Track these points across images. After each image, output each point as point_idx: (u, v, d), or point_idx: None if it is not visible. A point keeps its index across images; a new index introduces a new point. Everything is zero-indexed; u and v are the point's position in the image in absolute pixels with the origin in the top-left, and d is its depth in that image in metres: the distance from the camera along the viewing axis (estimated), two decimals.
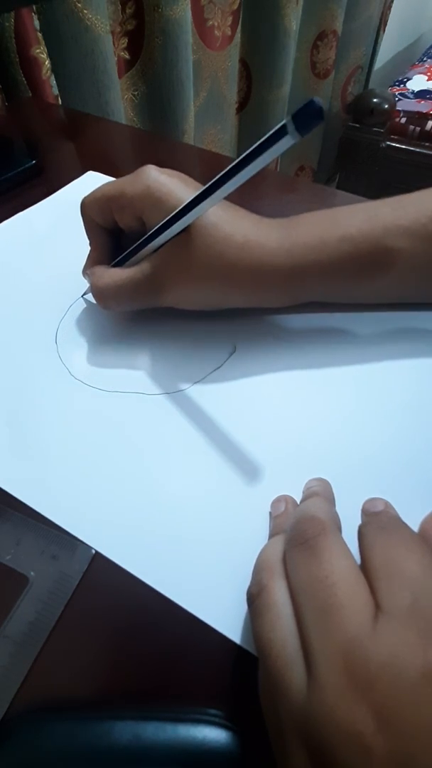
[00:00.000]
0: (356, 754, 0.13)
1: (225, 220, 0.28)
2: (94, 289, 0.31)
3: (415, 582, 0.16)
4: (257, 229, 0.28)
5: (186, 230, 0.27)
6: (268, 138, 0.20)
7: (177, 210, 0.26)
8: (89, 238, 0.32)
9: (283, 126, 0.19)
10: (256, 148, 0.20)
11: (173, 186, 0.28)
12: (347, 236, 0.28)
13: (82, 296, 0.35)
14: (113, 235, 0.32)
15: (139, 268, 0.29)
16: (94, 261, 0.32)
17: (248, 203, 0.30)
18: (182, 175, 0.29)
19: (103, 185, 0.30)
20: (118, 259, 0.31)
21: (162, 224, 0.27)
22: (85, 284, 0.34)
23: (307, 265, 0.28)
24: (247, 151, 0.21)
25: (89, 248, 0.33)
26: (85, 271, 0.32)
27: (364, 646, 0.15)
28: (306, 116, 0.18)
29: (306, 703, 0.15)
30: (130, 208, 0.29)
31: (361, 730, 0.13)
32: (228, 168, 0.22)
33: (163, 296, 0.30)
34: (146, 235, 0.28)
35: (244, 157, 0.21)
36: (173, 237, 0.27)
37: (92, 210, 0.30)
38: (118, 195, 0.29)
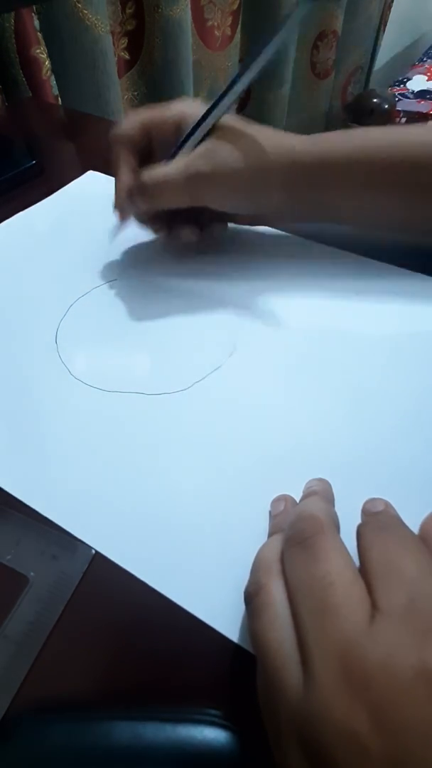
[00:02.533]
0: (352, 752, 0.13)
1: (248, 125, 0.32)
2: (144, 185, 0.32)
3: (412, 582, 0.16)
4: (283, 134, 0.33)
5: (219, 129, 0.31)
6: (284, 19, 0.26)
7: (213, 102, 0.30)
8: (120, 166, 0.34)
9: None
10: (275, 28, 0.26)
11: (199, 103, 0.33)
12: (368, 147, 0.31)
13: (113, 238, 0.36)
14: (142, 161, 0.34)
15: (185, 158, 0.31)
16: (125, 184, 0.33)
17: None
18: None
19: (134, 113, 0.34)
20: (168, 156, 0.33)
21: (200, 118, 0.31)
22: (86, 286, 0.34)
23: (330, 163, 0.31)
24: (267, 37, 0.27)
25: (118, 179, 0.34)
26: (119, 184, 0.33)
27: (361, 646, 0.15)
28: None
29: (303, 702, 0.15)
30: (171, 121, 0.33)
31: (357, 728, 0.14)
32: (252, 52, 0.28)
33: (211, 180, 0.32)
34: (185, 134, 0.31)
35: (264, 39, 0.27)
36: (210, 127, 0.31)
37: (133, 128, 0.33)
38: (158, 112, 0.33)
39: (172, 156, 0.32)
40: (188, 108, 0.33)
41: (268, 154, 0.31)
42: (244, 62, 0.29)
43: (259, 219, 0.38)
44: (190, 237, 0.36)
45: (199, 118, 0.31)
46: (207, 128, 0.31)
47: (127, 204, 0.34)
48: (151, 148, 0.34)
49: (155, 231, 0.36)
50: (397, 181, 0.31)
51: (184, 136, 0.32)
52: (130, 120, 0.33)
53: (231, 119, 0.32)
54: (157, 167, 0.32)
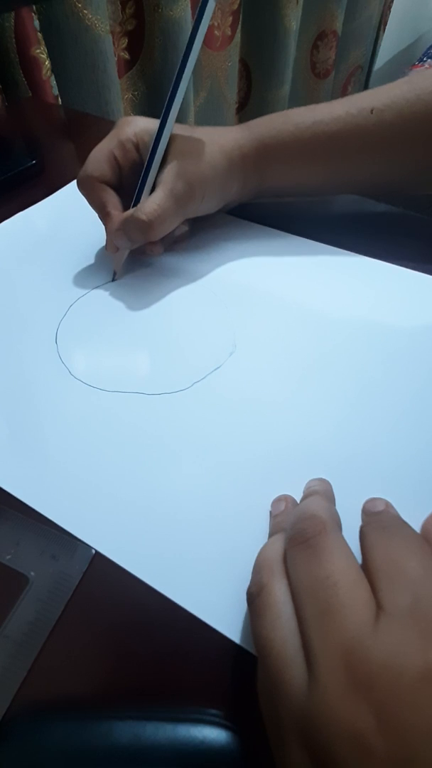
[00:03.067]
0: (357, 753, 0.13)
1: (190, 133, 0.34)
2: (143, 222, 0.32)
3: (417, 582, 0.16)
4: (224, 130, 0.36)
5: (173, 141, 0.33)
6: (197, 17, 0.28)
7: (161, 119, 0.31)
8: (101, 203, 0.34)
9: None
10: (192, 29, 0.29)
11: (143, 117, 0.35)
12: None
13: (113, 279, 0.36)
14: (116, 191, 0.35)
15: (164, 184, 0.32)
16: (117, 217, 0.34)
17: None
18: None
19: (92, 153, 0.34)
20: (137, 190, 0.34)
21: (154, 140, 0.32)
22: (86, 286, 0.34)
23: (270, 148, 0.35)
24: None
25: (107, 216, 0.34)
26: (113, 225, 0.34)
27: (365, 646, 0.15)
28: None
29: (306, 703, 0.15)
30: (130, 145, 0.34)
31: (362, 729, 0.13)
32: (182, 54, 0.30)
33: (193, 194, 0.34)
34: (149, 155, 0.32)
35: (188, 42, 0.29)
36: (165, 147, 0.32)
37: (102, 167, 0.34)
38: (114, 142, 0.34)
39: (143, 177, 0.33)
40: (135, 126, 0.34)
41: (225, 151, 0.34)
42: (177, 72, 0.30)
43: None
44: (185, 229, 0.39)
45: (154, 140, 0.32)
46: (163, 147, 0.32)
47: (123, 241, 0.34)
48: (120, 177, 0.35)
49: (152, 251, 0.36)
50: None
51: (147, 155, 0.33)
52: (94, 160, 0.34)
53: (176, 129, 0.33)
54: (146, 203, 0.32)
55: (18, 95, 0.64)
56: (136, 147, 0.34)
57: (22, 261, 0.38)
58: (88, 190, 0.35)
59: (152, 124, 0.34)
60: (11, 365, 0.31)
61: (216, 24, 0.88)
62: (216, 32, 0.89)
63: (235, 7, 0.90)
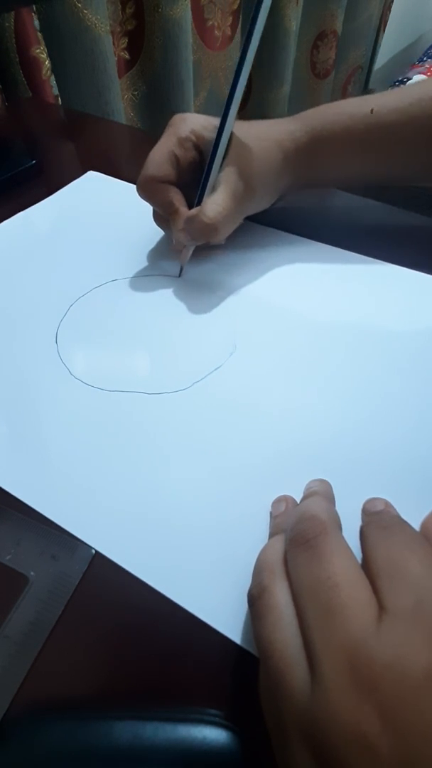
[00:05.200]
0: (361, 754, 0.13)
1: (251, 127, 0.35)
2: (208, 225, 0.32)
3: (419, 582, 0.16)
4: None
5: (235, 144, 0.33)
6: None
7: (221, 118, 0.31)
8: (168, 202, 0.34)
9: None
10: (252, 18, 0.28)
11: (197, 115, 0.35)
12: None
13: (179, 275, 0.36)
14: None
15: (226, 184, 0.32)
16: (184, 215, 0.34)
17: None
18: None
19: (152, 154, 0.34)
20: (200, 190, 0.33)
21: (215, 139, 0.31)
22: (86, 286, 0.34)
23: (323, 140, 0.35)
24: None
25: (176, 213, 0.34)
26: (179, 223, 0.33)
27: (369, 647, 0.15)
28: None
29: (309, 704, 0.15)
30: (189, 144, 0.34)
31: (366, 730, 0.13)
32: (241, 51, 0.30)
33: (254, 193, 0.34)
34: (210, 154, 0.32)
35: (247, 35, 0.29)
36: (229, 142, 0.32)
37: (164, 167, 0.33)
38: (172, 141, 0.34)
39: (205, 177, 0.33)
40: (192, 124, 0.34)
41: (281, 145, 0.34)
42: (238, 61, 0.30)
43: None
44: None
45: (215, 139, 0.31)
46: (225, 147, 0.32)
47: (188, 240, 0.34)
48: (180, 176, 0.35)
49: (215, 248, 0.36)
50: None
51: (206, 153, 0.33)
52: (155, 161, 0.34)
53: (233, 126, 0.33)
54: (210, 204, 0.32)
55: (18, 95, 0.64)
56: (195, 145, 0.34)
57: (22, 261, 0.38)
58: (151, 191, 0.34)
59: (206, 120, 0.34)
60: (11, 365, 0.31)
61: (216, 24, 0.88)
62: (216, 32, 0.89)
63: (235, 7, 0.90)
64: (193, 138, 0.34)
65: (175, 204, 0.34)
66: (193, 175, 0.34)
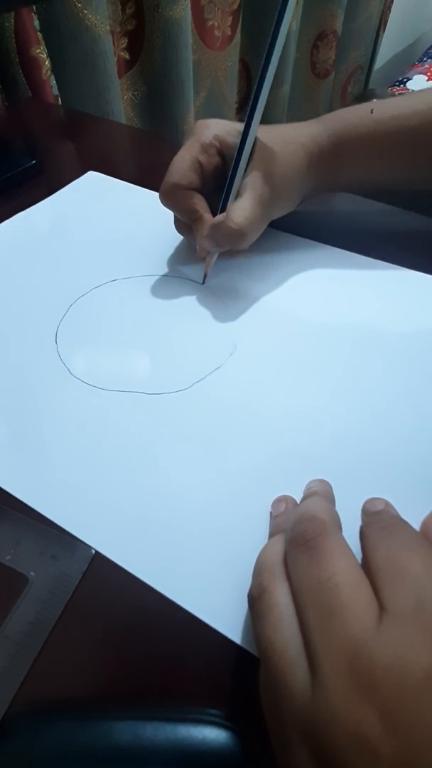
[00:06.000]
0: (362, 755, 0.13)
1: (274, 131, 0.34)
2: (235, 231, 0.31)
3: (420, 583, 0.16)
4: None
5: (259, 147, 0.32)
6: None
7: (245, 123, 0.30)
8: (192, 209, 0.34)
9: None
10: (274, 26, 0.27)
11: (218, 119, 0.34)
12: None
13: (203, 282, 0.36)
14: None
15: (252, 190, 0.32)
16: (209, 221, 0.33)
17: None
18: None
19: (174, 161, 0.33)
20: (224, 196, 0.33)
21: (239, 145, 0.31)
22: (86, 286, 0.34)
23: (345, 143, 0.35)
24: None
25: (200, 220, 0.34)
26: (204, 230, 0.33)
27: (369, 647, 0.15)
28: None
29: (310, 705, 0.15)
30: (213, 150, 0.33)
31: (367, 731, 0.13)
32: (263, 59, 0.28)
33: (279, 198, 0.34)
34: (234, 160, 0.32)
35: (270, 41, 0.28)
36: (253, 146, 0.32)
37: (188, 174, 0.33)
38: (196, 147, 0.33)
39: (229, 183, 0.32)
40: (215, 129, 0.34)
41: (305, 149, 0.34)
42: (261, 68, 0.29)
43: None
44: None
45: (239, 145, 0.31)
46: (249, 151, 0.32)
47: (213, 246, 0.34)
48: (204, 182, 0.34)
49: (241, 255, 0.36)
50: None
51: (230, 159, 0.32)
52: (179, 168, 0.33)
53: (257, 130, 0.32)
54: (235, 210, 0.32)
55: (18, 95, 0.64)
56: (218, 151, 0.34)
57: (22, 261, 0.38)
58: (175, 199, 0.34)
59: (229, 126, 0.34)
60: (11, 365, 0.31)
61: (216, 24, 0.88)
62: (216, 32, 0.89)
63: (235, 7, 0.90)
64: (217, 144, 0.33)
65: (200, 211, 0.33)
66: (215, 182, 0.34)
